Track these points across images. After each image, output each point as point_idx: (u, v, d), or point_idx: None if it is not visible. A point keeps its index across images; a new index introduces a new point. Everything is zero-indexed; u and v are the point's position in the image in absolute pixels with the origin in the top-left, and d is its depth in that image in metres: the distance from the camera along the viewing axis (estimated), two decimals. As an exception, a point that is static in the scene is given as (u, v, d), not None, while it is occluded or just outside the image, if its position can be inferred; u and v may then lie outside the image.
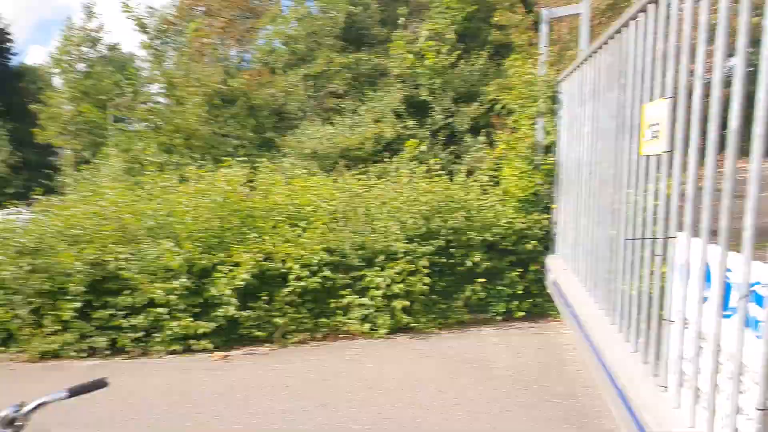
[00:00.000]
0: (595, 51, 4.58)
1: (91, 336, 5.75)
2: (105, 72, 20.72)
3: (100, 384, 2.00)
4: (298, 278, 6.03)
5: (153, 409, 4.49)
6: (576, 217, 5.32)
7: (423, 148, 9.41)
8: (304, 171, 8.64)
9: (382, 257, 6.28)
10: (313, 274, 6.08)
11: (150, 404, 4.57)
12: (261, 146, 11.81)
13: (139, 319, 5.74)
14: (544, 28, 7.12)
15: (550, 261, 6.42)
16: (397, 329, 6.20)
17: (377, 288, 6.16)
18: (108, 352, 5.77)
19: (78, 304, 5.65)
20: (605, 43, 4.24)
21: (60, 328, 5.73)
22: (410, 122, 10.88)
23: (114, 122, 14.15)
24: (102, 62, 30.55)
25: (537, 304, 6.71)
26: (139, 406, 4.51)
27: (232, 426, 4.14)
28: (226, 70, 13.82)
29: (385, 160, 9.34)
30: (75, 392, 1.91)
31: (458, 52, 10.79)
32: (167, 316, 5.77)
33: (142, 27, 14.64)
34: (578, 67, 5.33)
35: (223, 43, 20.80)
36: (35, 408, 1.79)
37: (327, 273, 6.09)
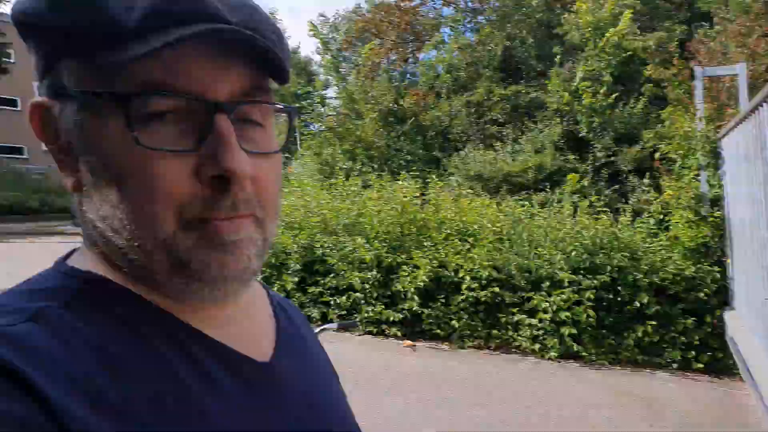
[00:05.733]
0: (755, 109, 4.56)
1: (306, 307, 7.04)
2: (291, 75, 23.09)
3: (354, 325, 3.00)
4: (470, 289, 6.61)
5: (356, 374, 5.53)
6: (752, 275, 5.12)
7: (585, 183, 9.91)
8: (470, 191, 9.47)
9: (547, 283, 6.60)
10: (483, 288, 6.60)
11: (354, 369, 5.62)
12: (429, 163, 12.86)
13: (342, 300, 6.92)
14: (699, 85, 7.18)
15: (728, 316, 6.18)
16: (567, 355, 6.35)
17: (545, 311, 6.43)
18: (319, 322, 6.98)
19: (296, 279, 7.00)
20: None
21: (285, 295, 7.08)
22: (571, 156, 11.37)
23: (304, 125, 15.89)
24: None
25: (718, 359, 6.29)
26: (344, 369, 5.56)
27: (418, 402, 5.04)
28: (397, 89, 15.10)
29: (546, 190, 9.95)
30: (341, 327, 2.90)
31: (616, 93, 11.09)
32: (363, 301, 6.87)
33: (326, 46, 16.33)
34: (739, 124, 5.34)
35: (391, 63, 22.42)
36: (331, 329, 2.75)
37: (495, 289, 6.56)
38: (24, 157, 34.43)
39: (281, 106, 0.59)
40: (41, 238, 17.86)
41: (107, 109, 0.50)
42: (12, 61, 23.30)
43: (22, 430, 0.38)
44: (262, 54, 0.52)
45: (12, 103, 34.37)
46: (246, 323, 0.63)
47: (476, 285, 6.62)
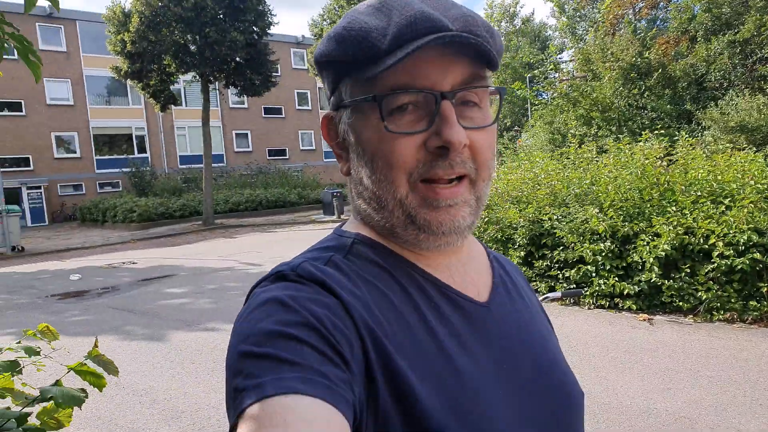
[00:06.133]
0: None
1: (533, 281, 7.05)
2: (522, 45, 22.69)
3: (579, 294, 2.94)
4: (723, 256, 5.93)
5: (586, 347, 5.41)
6: None
7: None
8: (729, 145, 8.31)
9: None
10: (740, 254, 5.87)
11: (583, 343, 5.51)
12: (679, 119, 11.60)
13: (572, 273, 6.73)
14: None
15: None
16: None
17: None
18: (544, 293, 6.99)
19: (522, 253, 7.02)
20: None
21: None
22: None
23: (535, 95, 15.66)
24: (517, 35, 33.24)
25: None
26: (573, 342, 5.49)
27: (658, 375, 4.73)
28: (641, 41, 13.80)
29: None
30: (565, 295, 2.85)
31: None
32: (594, 275, 6.59)
33: (561, 9, 15.63)
34: None
35: (636, 12, 20.46)
36: (556, 298, 2.76)
37: (756, 255, 5.77)
38: (285, 157, 39.84)
39: (493, 88, 0.74)
40: (298, 227, 20.65)
41: (368, 108, 0.71)
42: (278, 74, 27.01)
43: (329, 310, 0.62)
44: (477, 49, 0.67)
45: (278, 111, 40.00)
46: (467, 270, 0.79)
47: (731, 251, 5.88)
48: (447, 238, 0.72)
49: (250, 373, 0.56)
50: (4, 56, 1.66)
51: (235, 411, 0.54)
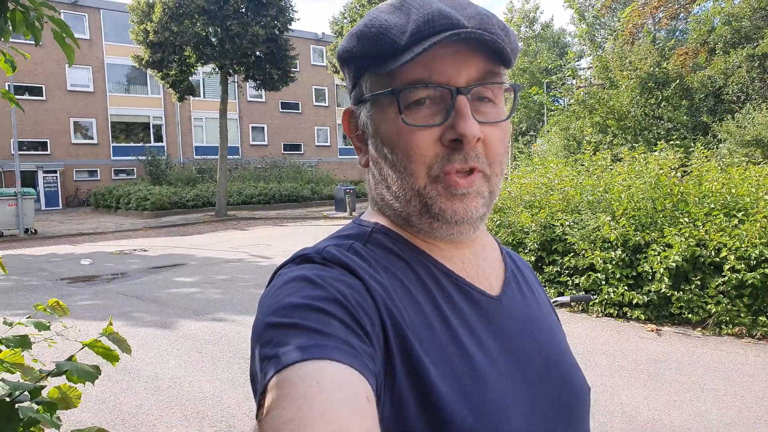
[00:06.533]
0: None
1: (543, 286, 7.03)
2: (541, 50, 22.62)
3: (588, 299, 2.94)
4: (734, 270, 5.89)
5: (592, 355, 5.39)
6: None
7: None
8: (744, 159, 8.25)
9: None
10: (751, 269, 5.83)
11: (590, 350, 5.49)
12: (695, 130, 11.51)
13: (581, 280, 6.69)
14: None
15: None
16: None
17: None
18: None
19: (533, 258, 7.01)
20: None
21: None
22: None
23: (552, 101, 15.58)
24: (536, 40, 33.15)
25: None
26: (579, 349, 5.46)
27: (664, 386, 4.71)
28: (660, 51, 13.71)
29: None
30: (574, 300, 2.85)
31: None
32: (604, 282, 6.56)
33: (581, 16, 15.54)
34: None
35: (656, 22, 20.31)
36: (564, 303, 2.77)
37: (767, 270, 5.74)
38: (300, 152, 39.99)
39: (508, 85, 0.76)
40: (310, 222, 20.72)
41: (386, 102, 0.73)
42: (297, 70, 27.10)
43: (353, 290, 0.65)
44: (492, 47, 0.70)
45: (295, 107, 40.16)
46: (479, 263, 0.81)
47: (742, 266, 5.83)
48: (460, 227, 0.74)
49: (280, 342, 0.58)
50: (26, 41, 1.70)
51: (265, 377, 0.56)
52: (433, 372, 0.65)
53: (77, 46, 1.69)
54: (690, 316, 6.06)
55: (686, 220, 6.53)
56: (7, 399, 1.07)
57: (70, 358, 1.26)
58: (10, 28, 1.57)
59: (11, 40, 1.64)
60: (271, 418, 0.51)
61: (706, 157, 8.12)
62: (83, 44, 31.89)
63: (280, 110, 39.43)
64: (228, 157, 24.79)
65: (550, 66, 16.28)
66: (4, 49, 1.71)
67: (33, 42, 1.69)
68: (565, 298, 2.87)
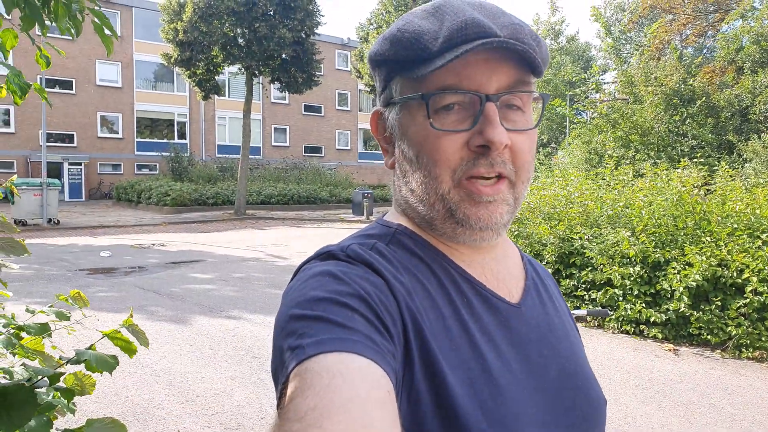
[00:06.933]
0: None
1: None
2: (565, 63, 22.52)
3: (605, 314, 2.89)
4: (756, 292, 5.78)
5: (607, 372, 5.33)
6: None
7: None
8: (770, 180, 8.11)
9: None
10: None
11: (604, 367, 5.43)
12: (719, 149, 11.35)
13: (598, 295, 6.60)
14: None
15: None
16: None
17: None
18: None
19: (550, 270, 6.93)
20: None
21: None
22: None
23: (575, 114, 15.48)
24: (561, 53, 33.04)
25: None
26: (593, 366, 5.40)
27: (680, 408, 4.64)
28: (687, 68, 13.56)
29: None
30: (590, 314, 2.82)
31: None
32: (621, 299, 6.47)
33: (607, 29, 15.44)
34: None
35: (683, 39, 20.10)
36: (581, 317, 2.73)
37: None
38: (321, 155, 40.19)
39: (537, 94, 0.77)
40: (327, 224, 20.78)
41: (416, 106, 0.74)
42: (322, 73, 27.27)
43: (376, 288, 0.66)
44: (523, 56, 0.70)
45: (318, 110, 40.41)
46: (500, 270, 0.81)
47: (765, 288, 5.72)
48: (483, 234, 0.75)
49: (304, 333, 0.59)
50: (60, 36, 1.74)
51: (288, 367, 0.57)
52: (450, 376, 0.65)
53: (116, 38, 1.74)
54: (709, 337, 5.94)
55: (708, 239, 6.41)
56: (27, 384, 1.09)
57: (90, 347, 1.28)
58: (52, 22, 1.62)
59: (47, 35, 1.69)
60: (294, 405, 0.52)
61: (730, 176, 8.00)
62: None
63: (303, 112, 39.70)
64: (249, 156, 25.01)
65: (573, 79, 16.19)
66: (40, 44, 1.76)
67: (66, 37, 1.74)
68: (582, 312, 2.83)
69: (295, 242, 14.93)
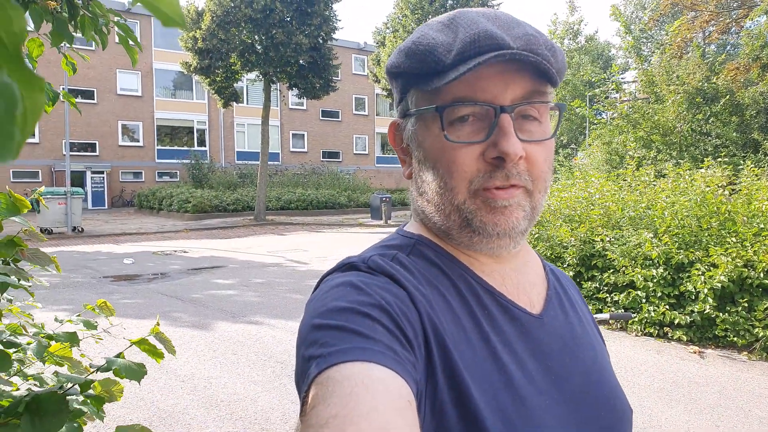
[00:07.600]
0: None
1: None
2: (584, 63, 22.34)
3: (628, 317, 2.87)
4: (784, 293, 5.70)
5: (630, 374, 5.26)
6: None
7: None
8: (797, 178, 7.93)
9: None
10: None
11: (628, 370, 5.37)
12: (744, 147, 11.16)
13: (621, 298, 6.53)
14: None
15: None
16: None
17: None
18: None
19: (571, 273, 6.89)
20: None
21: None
22: None
23: (595, 114, 15.35)
24: (580, 52, 32.80)
25: None
26: (616, 369, 5.33)
27: (706, 411, 4.56)
28: (710, 66, 13.36)
29: None
30: (613, 317, 2.79)
31: None
32: (644, 301, 6.38)
33: (627, 28, 15.28)
34: None
35: (705, 37, 19.81)
36: (603, 320, 2.72)
37: None
38: (339, 160, 40.33)
39: (553, 104, 0.76)
40: (346, 228, 20.81)
41: (431, 118, 0.75)
42: (339, 79, 27.38)
43: (397, 299, 0.66)
44: (537, 67, 0.71)
45: (335, 115, 40.61)
46: (520, 280, 0.81)
47: (793, 289, 5.61)
48: (500, 241, 0.74)
49: (326, 342, 0.60)
50: (82, 47, 1.79)
51: (310, 375, 0.57)
52: (473, 388, 0.65)
53: (140, 49, 1.78)
54: (736, 339, 5.83)
55: (733, 239, 6.30)
56: (59, 391, 1.11)
57: (119, 355, 1.31)
58: (79, 33, 1.66)
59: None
60: (316, 413, 0.53)
61: (756, 175, 7.84)
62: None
63: (321, 118, 39.89)
64: (268, 162, 25.16)
65: (593, 79, 16.06)
66: (66, 52, 1.80)
67: (88, 47, 1.79)
68: (605, 315, 2.81)
69: (315, 247, 14.99)
